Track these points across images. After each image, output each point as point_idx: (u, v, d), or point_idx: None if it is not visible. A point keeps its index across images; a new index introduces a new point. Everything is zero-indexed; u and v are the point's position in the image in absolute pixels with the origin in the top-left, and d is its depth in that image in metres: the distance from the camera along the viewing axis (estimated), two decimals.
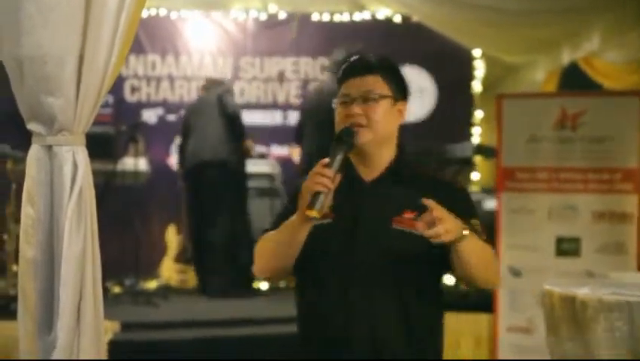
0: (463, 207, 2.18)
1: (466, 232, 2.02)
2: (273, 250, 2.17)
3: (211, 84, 6.59)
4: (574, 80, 6.59)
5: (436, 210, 1.95)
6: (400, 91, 2.28)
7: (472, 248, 2.05)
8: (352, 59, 2.32)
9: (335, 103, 2.25)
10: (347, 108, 2.19)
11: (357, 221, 2.15)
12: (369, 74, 2.23)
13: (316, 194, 2.00)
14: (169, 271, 6.80)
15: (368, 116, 2.17)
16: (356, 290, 2.12)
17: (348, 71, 2.27)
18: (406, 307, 2.15)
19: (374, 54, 2.35)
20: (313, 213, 1.99)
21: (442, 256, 2.09)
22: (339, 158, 2.06)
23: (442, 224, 1.94)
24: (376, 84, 2.22)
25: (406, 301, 2.15)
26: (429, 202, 1.96)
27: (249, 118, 7.37)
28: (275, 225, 2.20)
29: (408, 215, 2.12)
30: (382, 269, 2.13)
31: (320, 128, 6.03)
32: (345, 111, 2.19)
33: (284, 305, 5.89)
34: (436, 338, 2.32)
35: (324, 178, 2.00)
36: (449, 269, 2.16)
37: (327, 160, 2.04)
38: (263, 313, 5.40)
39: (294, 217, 2.08)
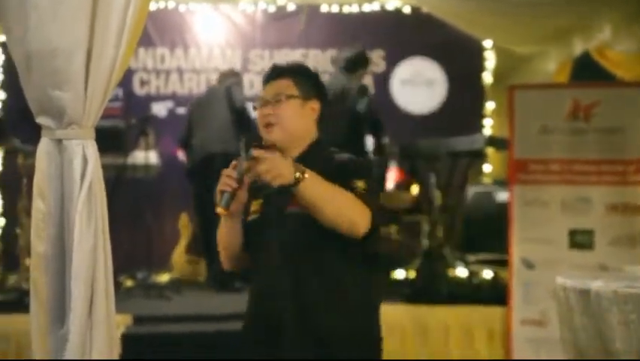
0: (351, 169, 2.41)
1: (299, 175, 2.19)
2: (222, 242, 2.49)
3: (225, 77, 6.58)
4: (586, 70, 6.55)
5: (257, 153, 2.22)
6: (311, 91, 2.51)
7: (313, 192, 2.22)
8: (271, 67, 2.58)
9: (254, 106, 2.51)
10: (261, 109, 2.46)
11: (281, 212, 2.38)
12: (280, 78, 2.50)
13: (222, 193, 2.26)
14: (180, 260, 6.80)
15: (277, 115, 2.43)
16: (287, 274, 2.34)
17: (265, 78, 2.55)
18: (329, 282, 2.35)
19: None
20: (220, 210, 2.27)
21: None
22: (244, 156, 2.27)
23: (260, 165, 2.19)
24: (286, 87, 2.47)
25: (328, 275, 2.35)
26: (255, 152, 2.22)
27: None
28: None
29: None
30: (306, 250, 2.35)
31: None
32: (259, 112, 2.46)
33: None
34: (367, 302, 2.45)
35: (229, 179, 2.26)
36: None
37: (234, 163, 2.30)
38: None
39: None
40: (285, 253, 2.36)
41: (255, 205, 2.47)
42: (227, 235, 2.46)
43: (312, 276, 2.33)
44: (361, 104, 5.92)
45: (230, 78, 6.51)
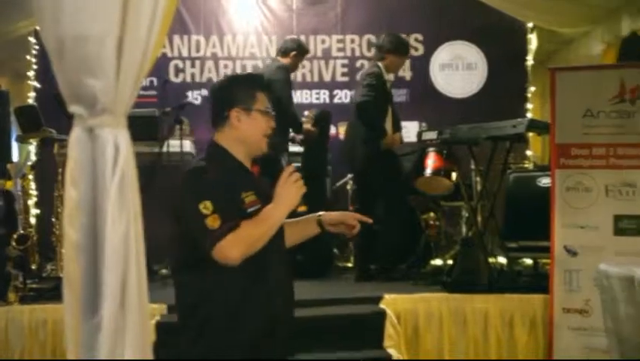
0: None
1: None
2: (258, 236, 2.62)
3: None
4: (634, 51, 6.42)
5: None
6: None
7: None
8: (261, 75, 3.04)
9: (253, 108, 2.79)
10: (269, 120, 2.81)
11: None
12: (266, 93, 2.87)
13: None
14: None
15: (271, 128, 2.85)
16: (280, 258, 2.82)
17: (266, 86, 2.88)
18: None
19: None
20: (304, 208, 2.79)
21: None
22: (285, 162, 2.69)
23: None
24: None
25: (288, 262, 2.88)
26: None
27: (296, 98, 7.38)
28: (231, 218, 2.59)
29: None
30: (283, 247, 2.86)
31: None
32: (269, 122, 2.81)
33: (331, 287, 5.92)
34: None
35: (302, 180, 2.68)
36: None
37: (293, 167, 2.71)
38: (306, 295, 5.40)
39: (278, 210, 2.66)
40: (283, 249, 2.84)
41: (249, 197, 2.69)
42: (271, 230, 2.66)
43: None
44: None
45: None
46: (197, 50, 7.86)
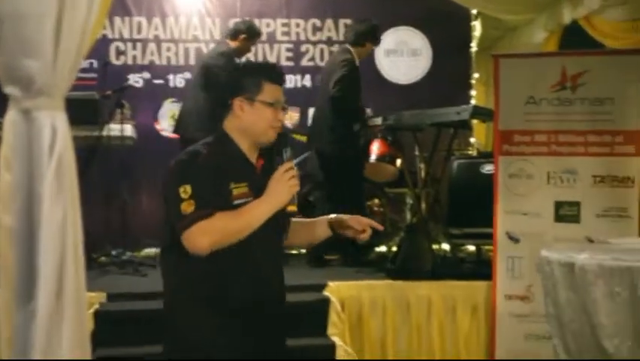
0: None
1: None
2: (235, 229, 2.56)
3: None
4: (576, 40, 6.53)
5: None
6: None
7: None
8: (276, 66, 2.89)
9: (256, 98, 2.70)
10: (277, 113, 2.72)
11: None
12: (282, 84, 2.79)
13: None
14: None
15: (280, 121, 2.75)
16: (267, 249, 2.73)
17: (277, 77, 2.78)
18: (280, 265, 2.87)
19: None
20: (294, 208, 2.68)
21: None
22: (290, 158, 2.66)
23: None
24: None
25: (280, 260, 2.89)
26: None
27: None
28: (207, 205, 2.53)
29: None
30: (277, 236, 2.82)
31: None
32: (276, 115, 2.72)
33: None
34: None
35: (296, 179, 2.62)
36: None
37: (290, 164, 2.63)
38: None
39: (262, 206, 2.60)
40: (276, 238, 2.79)
41: (239, 189, 2.62)
42: (250, 225, 2.58)
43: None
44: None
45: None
46: (139, 32, 7.72)
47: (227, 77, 2.87)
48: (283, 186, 2.59)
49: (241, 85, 2.72)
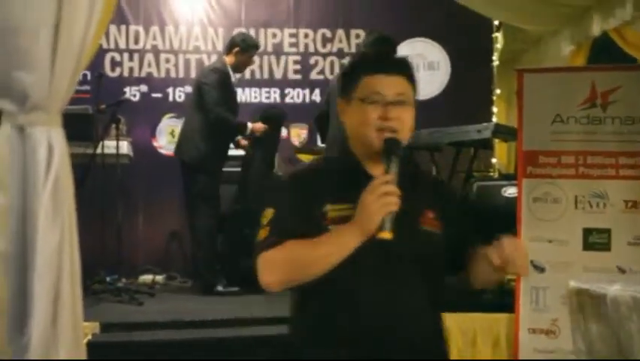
0: (454, 200, 2.59)
1: None
2: (306, 262, 2.18)
3: None
4: (606, 53, 6.54)
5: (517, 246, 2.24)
6: (416, 93, 2.38)
7: None
8: (379, 54, 2.58)
9: (352, 96, 2.32)
10: (381, 109, 2.26)
11: (413, 228, 2.24)
12: (399, 74, 2.32)
13: (387, 214, 2.09)
14: None
15: (402, 120, 2.27)
16: (390, 291, 2.23)
17: (377, 66, 2.33)
18: (430, 304, 2.31)
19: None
20: (388, 235, 2.08)
21: (450, 257, 2.35)
22: (395, 171, 2.16)
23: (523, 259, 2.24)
24: (407, 87, 2.32)
25: (430, 299, 2.30)
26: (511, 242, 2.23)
27: (243, 96, 7.38)
28: (280, 233, 2.21)
29: (430, 215, 2.33)
30: (412, 270, 2.26)
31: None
32: (377, 112, 2.26)
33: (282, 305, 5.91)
34: (443, 337, 2.47)
35: (394, 197, 2.09)
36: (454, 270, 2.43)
37: (389, 176, 2.14)
38: (257, 313, 5.40)
39: (346, 232, 2.14)
40: (409, 272, 2.26)
41: (337, 211, 2.23)
42: (337, 259, 2.16)
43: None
44: None
45: None
46: (136, 42, 7.78)
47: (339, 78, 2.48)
48: (372, 206, 2.10)
49: (341, 84, 2.42)
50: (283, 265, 2.19)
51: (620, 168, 5.05)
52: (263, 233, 2.22)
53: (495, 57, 8.12)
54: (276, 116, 6.83)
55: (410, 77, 2.35)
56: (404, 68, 2.35)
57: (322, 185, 2.27)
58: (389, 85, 2.27)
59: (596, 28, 6.36)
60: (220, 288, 6.26)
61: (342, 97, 2.37)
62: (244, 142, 6.70)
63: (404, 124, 2.27)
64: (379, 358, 2.20)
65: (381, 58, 2.42)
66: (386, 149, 2.20)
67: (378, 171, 2.23)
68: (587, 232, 5.06)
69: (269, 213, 2.26)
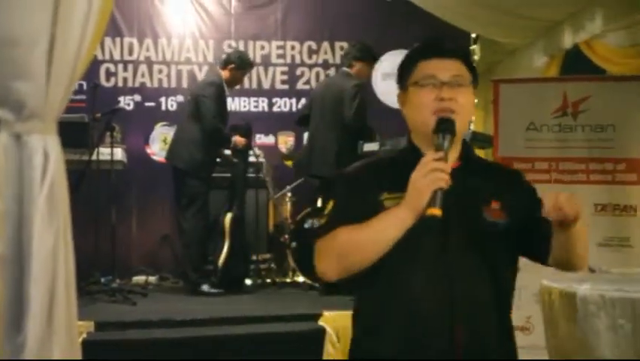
0: (533, 191, 2.32)
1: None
2: (358, 244, 2.08)
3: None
4: (577, 65, 6.58)
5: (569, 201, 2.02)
6: (475, 79, 2.28)
7: (580, 228, 2.12)
8: (431, 40, 2.33)
9: (407, 83, 2.24)
10: (436, 91, 2.16)
11: (448, 211, 2.03)
12: (454, 58, 2.23)
13: (437, 190, 1.98)
14: None
15: (458, 101, 2.16)
16: (453, 280, 2.10)
17: (432, 51, 2.25)
18: (495, 300, 2.17)
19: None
20: (438, 212, 1.96)
21: (515, 245, 2.22)
22: (447, 148, 2.07)
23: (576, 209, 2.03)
24: (464, 70, 2.23)
25: (494, 294, 2.17)
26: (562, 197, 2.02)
27: (233, 105, 7.37)
28: (335, 222, 2.14)
29: (495, 205, 2.19)
30: (472, 261, 2.13)
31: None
32: (432, 94, 2.16)
33: (269, 303, 5.92)
34: (511, 337, 2.31)
35: (444, 173, 1.99)
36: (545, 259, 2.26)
37: (440, 153, 2.04)
38: (246, 312, 5.39)
39: (397, 210, 2.04)
40: (473, 262, 2.13)
41: (393, 200, 2.11)
42: (392, 240, 2.05)
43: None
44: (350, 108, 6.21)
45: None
46: (130, 54, 7.77)
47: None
48: (420, 181, 2.00)
49: (398, 75, 2.32)
50: (336, 249, 2.10)
51: (590, 173, 5.08)
52: (322, 223, 2.19)
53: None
54: (244, 130, 6.84)
55: (466, 62, 2.27)
56: (459, 53, 2.27)
57: (380, 176, 2.21)
58: (444, 68, 2.19)
59: (567, 41, 6.40)
60: (205, 288, 6.25)
61: (400, 88, 2.29)
62: (240, 141, 6.63)
63: (462, 106, 2.16)
64: (438, 358, 2.07)
65: (434, 44, 2.29)
66: (438, 126, 2.11)
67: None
68: None
69: (330, 205, 2.21)
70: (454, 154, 2.19)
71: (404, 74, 2.26)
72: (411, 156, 2.16)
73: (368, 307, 2.21)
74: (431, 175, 1.98)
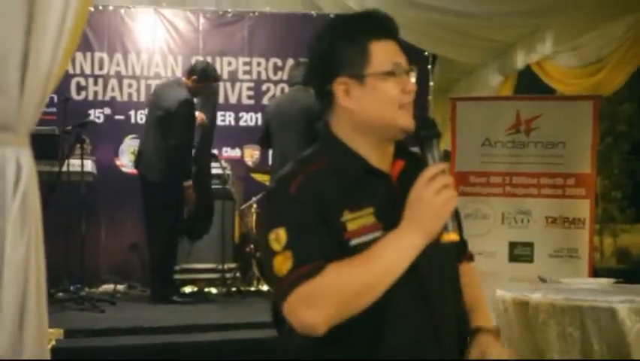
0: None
1: None
2: (360, 287, 1.60)
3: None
4: (530, 84, 6.69)
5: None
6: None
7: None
8: (373, 14, 1.80)
9: (364, 73, 1.74)
10: (403, 82, 1.75)
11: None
12: (394, 40, 1.78)
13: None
14: None
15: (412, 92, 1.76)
16: (425, 299, 1.73)
17: (387, 28, 1.77)
18: (455, 311, 1.87)
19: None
20: (455, 237, 1.64)
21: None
22: (439, 157, 1.69)
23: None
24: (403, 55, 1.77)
25: (455, 304, 1.88)
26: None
27: None
28: (309, 258, 1.62)
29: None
30: (440, 277, 1.78)
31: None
32: (403, 85, 1.74)
33: (234, 311, 5.89)
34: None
35: (453, 190, 1.62)
36: None
37: (441, 165, 1.65)
38: (212, 320, 5.37)
39: (401, 240, 1.61)
40: (440, 280, 1.76)
41: (357, 220, 1.67)
42: (399, 272, 1.61)
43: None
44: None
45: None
46: (101, 68, 7.69)
47: (317, 54, 1.85)
48: (431, 203, 1.59)
49: (339, 58, 1.76)
50: (332, 298, 1.59)
51: (541, 187, 5.17)
52: (284, 262, 1.62)
53: (430, 85, 8.23)
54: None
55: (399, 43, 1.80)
56: (395, 32, 1.80)
57: (332, 190, 1.68)
58: (398, 51, 1.76)
59: (520, 62, 6.51)
60: (175, 298, 6.19)
61: (348, 75, 1.74)
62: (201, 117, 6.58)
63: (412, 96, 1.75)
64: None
65: (384, 16, 1.78)
66: (425, 129, 1.73)
67: (385, 164, 1.77)
68: (513, 246, 5.16)
69: (280, 234, 1.64)
70: (389, 149, 1.80)
71: (353, 61, 1.74)
72: (357, 166, 1.73)
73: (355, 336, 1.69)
74: (445, 194, 1.60)
